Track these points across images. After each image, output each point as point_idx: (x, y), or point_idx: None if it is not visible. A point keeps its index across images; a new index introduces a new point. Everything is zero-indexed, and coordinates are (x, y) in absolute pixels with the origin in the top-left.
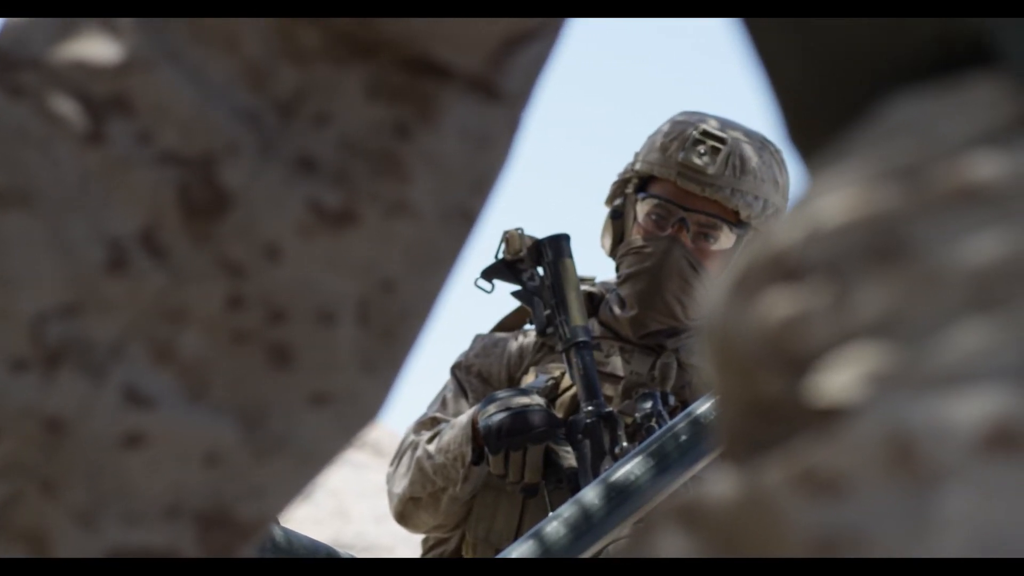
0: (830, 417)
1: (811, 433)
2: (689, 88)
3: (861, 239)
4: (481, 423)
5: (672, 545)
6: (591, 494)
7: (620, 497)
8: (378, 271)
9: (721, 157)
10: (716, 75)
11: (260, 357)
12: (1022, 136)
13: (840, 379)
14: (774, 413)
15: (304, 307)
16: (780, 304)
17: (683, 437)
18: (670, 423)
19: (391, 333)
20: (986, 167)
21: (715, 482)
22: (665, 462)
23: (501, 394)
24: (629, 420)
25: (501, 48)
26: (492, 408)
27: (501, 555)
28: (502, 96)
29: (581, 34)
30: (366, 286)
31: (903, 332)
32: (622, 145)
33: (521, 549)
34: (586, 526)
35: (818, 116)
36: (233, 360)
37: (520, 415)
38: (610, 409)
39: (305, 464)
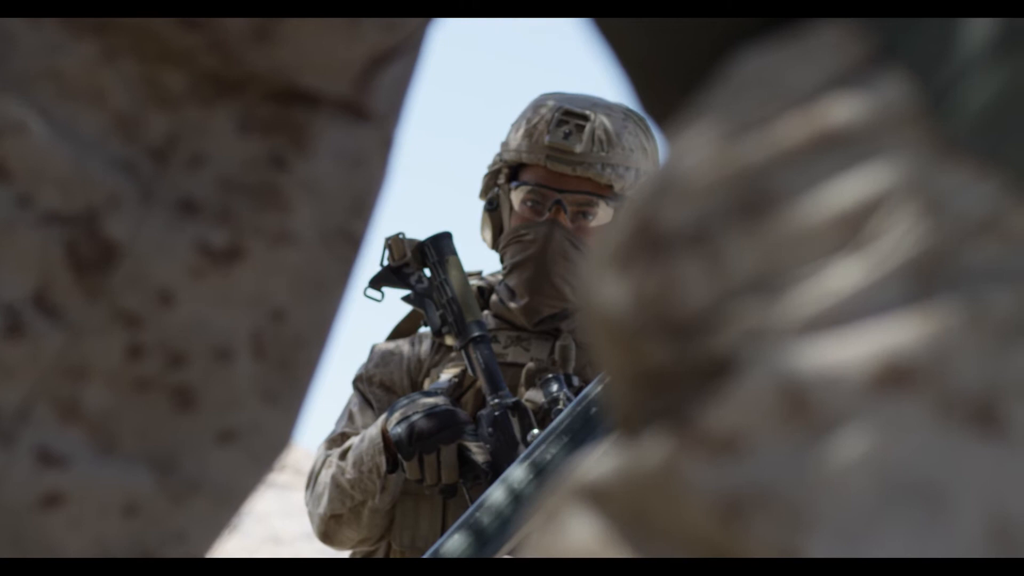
0: (719, 378)
1: (702, 396)
2: (545, 68)
3: (725, 198)
4: (391, 431)
5: (581, 525)
6: (517, 474)
7: (542, 477)
8: (268, 303)
9: (586, 134)
10: (569, 53)
11: (164, 402)
12: (870, 76)
13: (723, 338)
14: (663, 381)
15: (201, 347)
16: (655, 272)
17: (594, 409)
18: (578, 397)
19: (288, 362)
20: (838, 110)
21: (614, 457)
22: (578, 438)
23: (406, 400)
24: (536, 407)
25: (365, 69)
26: (399, 415)
27: (431, 550)
28: (372, 116)
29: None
30: (258, 319)
31: (780, 284)
32: (489, 136)
33: (452, 541)
34: (516, 507)
35: (669, 80)
36: (139, 409)
37: (428, 417)
38: (516, 398)
39: (223, 502)
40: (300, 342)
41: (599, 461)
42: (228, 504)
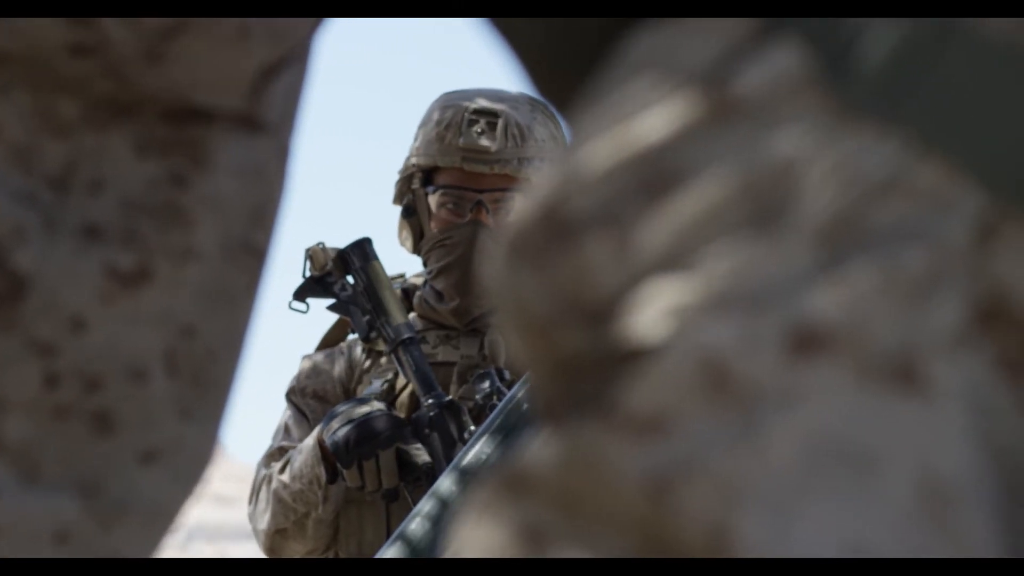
0: (638, 359)
1: (623, 379)
2: (447, 61)
3: (628, 180)
4: (328, 441)
5: (511, 518)
6: (446, 483)
7: (475, 479)
8: (177, 320)
9: (499, 131)
10: (465, 46)
11: (84, 428)
12: (764, 46)
13: (640, 320)
14: (582, 368)
15: (116, 370)
16: (564, 261)
17: (525, 406)
18: (508, 396)
19: (202, 378)
20: (734, 83)
21: (539, 447)
22: (512, 435)
23: (340, 408)
24: (471, 404)
25: (257, 81)
26: (335, 424)
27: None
28: (266, 127)
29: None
30: (169, 337)
31: (691, 260)
32: (399, 136)
33: (390, 553)
34: (448, 516)
35: (564, 65)
36: (59, 436)
37: (364, 424)
38: (450, 397)
39: (152, 522)
40: (212, 357)
41: (527, 452)
42: (158, 523)
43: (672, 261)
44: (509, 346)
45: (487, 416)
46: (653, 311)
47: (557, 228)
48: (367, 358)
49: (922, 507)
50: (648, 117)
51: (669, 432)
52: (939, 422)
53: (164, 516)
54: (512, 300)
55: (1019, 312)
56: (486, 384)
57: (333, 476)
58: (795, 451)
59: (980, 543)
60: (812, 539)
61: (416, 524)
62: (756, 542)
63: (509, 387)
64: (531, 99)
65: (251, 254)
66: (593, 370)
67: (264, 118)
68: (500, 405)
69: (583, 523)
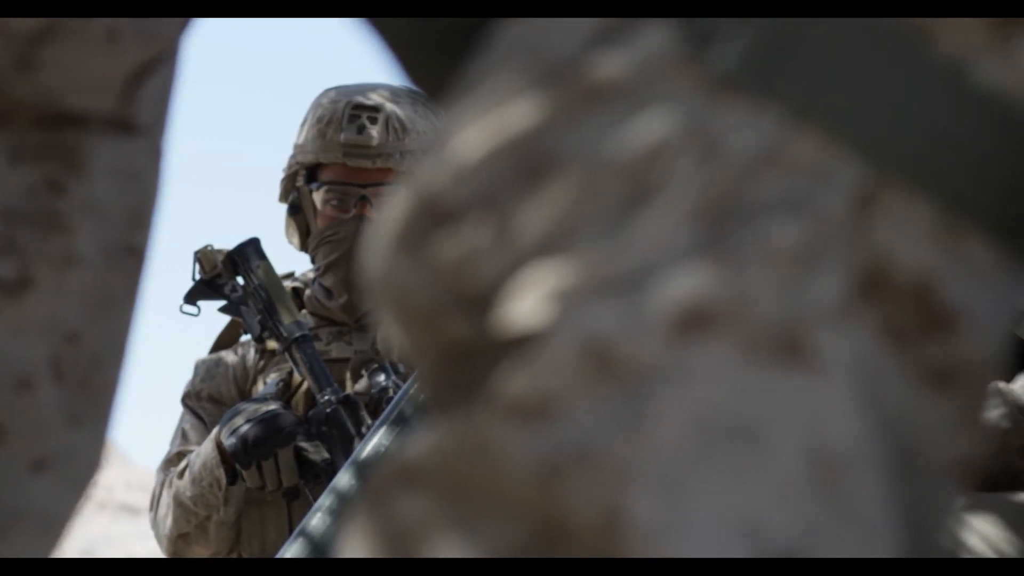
0: (523, 344)
1: (508, 366)
2: (329, 56)
3: (507, 164)
4: (225, 442)
5: (405, 509)
6: (345, 478)
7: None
8: (61, 327)
9: (380, 125)
10: (345, 41)
11: None
12: (633, 28)
13: (522, 305)
14: (468, 355)
15: (3, 380)
16: (445, 249)
17: (421, 397)
18: (403, 388)
19: (88, 383)
20: (605, 66)
21: (430, 436)
22: (408, 426)
23: (237, 409)
24: (367, 398)
25: (128, 83)
26: (231, 425)
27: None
28: (140, 128)
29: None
30: (54, 344)
31: (571, 243)
32: (283, 135)
33: (292, 550)
34: (348, 510)
35: (437, 54)
36: None
37: (261, 423)
38: (346, 393)
39: (47, 529)
40: (98, 362)
41: (417, 441)
42: (51, 531)
43: (552, 245)
44: (393, 338)
45: (383, 410)
46: (535, 296)
47: (435, 217)
48: (260, 358)
49: (813, 478)
50: (521, 103)
51: (556, 417)
52: (826, 392)
53: (58, 523)
54: (394, 291)
55: (900, 280)
56: (381, 378)
57: (233, 478)
58: (684, 429)
59: (872, 510)
60: (705, 516)
61: (317, 520)
62: (649, 522)
63: (404, 380)
64: (412, 92)
65: (131, 256)
66: (478, 358)
67: (137, 120)
68: (396, 398)
69: (474, 511)
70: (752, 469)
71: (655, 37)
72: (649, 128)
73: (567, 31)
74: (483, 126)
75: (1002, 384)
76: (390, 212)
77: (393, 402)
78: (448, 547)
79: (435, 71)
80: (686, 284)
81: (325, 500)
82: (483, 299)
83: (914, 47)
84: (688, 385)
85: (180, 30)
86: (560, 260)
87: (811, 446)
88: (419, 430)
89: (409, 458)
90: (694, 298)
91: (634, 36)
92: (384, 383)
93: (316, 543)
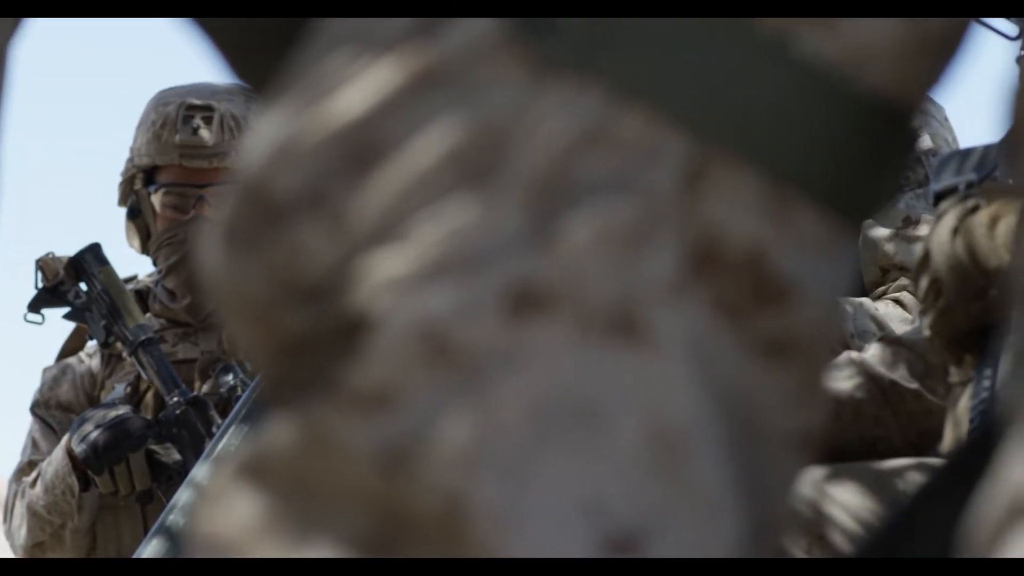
0: (359, 335)
1: (346, 356)
2: (154, 59)
3: (334, 155)
4: (76, 449)
5: (244, 503)
6: (201, 473)
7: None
8: None
9: (215, 125)
10: (176, 41)
11: None
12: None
13: (357, 295)
14: (305, 348)
15: None
16: (276, 242)
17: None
18: (252, 385)
19: None
20: (428, 51)
21: (270, 431)
22: (259, 423)
23: (86, 415)
24: (216, 398)
25: None
26: (82, 432)
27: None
28: None
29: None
30: None
31: (402, 231)
32: (114, 136)
33: (150, 548)
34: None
35: (261, 48)
36: None
37: (111, 429)
38: (195, 394)
39: None
40: None
41: (256, 437)
42: None
43: (385, 233)
44: (231, 334)
45: (232, 408)
46: (369, 285)
47: (266, 210)
48: (107, 363)
49: (653, 456)
50: (348, 91)
51: (396, 405)
52: (663, 370)
53: None
54: (229, 288)
55: (731, 254)
56: (229, 377)
57: (86, 484)
58: (523, 412)
59: (713, 486)
60: (548, 499)
61: (175, 516)
62: (492, 507)
63: (252, 377)
64: (245, 89)
65: None
66: (316, 349)
67: None
68: (244, 395)
69: (318, 505)
70: (593, 450)
71: (477, 22)
72: (477, 111)
73: (390, 20)
74: (311, 116)
75: (855, 354)
76: (223, 208)
77: (241, 400)
78: (292, 542)
79: (259, 64)
80: (518, 266)
81: (182, 496)
82: (318, 290)
83: (738, 21)
84: (525, 368)
85: (7, 36)
86: (393, 248)
87: (650, 424)
88: (262, 426)
89: (250, 454)
90: (527, 280)
91: (456, 22)
92: (232, 382)
93: (174, 539)
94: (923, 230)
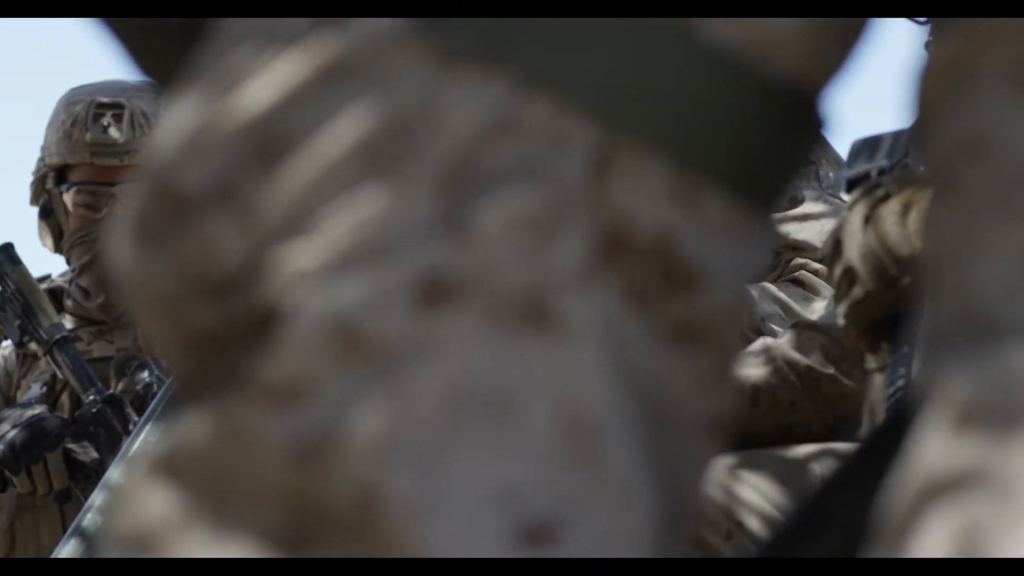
0: (270, 328)
1: (257, 349)
2: (63, 56)
3: (241, 149)
4: None
5: (164, 500)
6: (115, 474)
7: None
8: None
9: (125, 122)
10: (80, 40)
11: None
12: None
13: (268, 288)
14: (215, 343)
15: None
16: (185, 237)
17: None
18: (168, 382)
19: None
20: (334, 44)
21: (185, 427)
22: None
23: (2, 415)
24: (132, 395)
25: None
26: None
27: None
28: None
29: None
30: None
31: (312, 223)
32: (25, 136)
33: (67, 549)
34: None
35: (166, 43)
36: None
37: (27, 428)
38: (111, 392)
39: None
40: None
41: (170, 433)
42: None
43: (295, 226)
44: (144, 331)
45: (149, 406)
46: (280, 278)
47: (174, 205)
48: (22, 364)
49: (566, 444)
50: (255, 84)
51: (308, 398)
52: (575, 357)
53: None
54: (138, 283)
55: (640, 240)
56: (145, 374)
57: (3, 484)
58: (436, 402)
59: (626, 473)
60: (462, 488)
61: (90, 518)
62: (407, 498)
63: (168, 374)
64: (155, 85)
65: None
66: (228, 344)
67: None
68: (160, 392)
69: (233, 500)
70: (506, 439)
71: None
72: (384, 102)
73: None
74: (216, 111)
75: (770, 340)
76: (129, 202)
77: (157, 397)
78: (208, 537)
79: (165, 59)
80: (428, 256)
81: (97, 498)
82: (228, 285)
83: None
84: (437, 358)
85: None
86: (303, 241)
87: (563, 412)
88: (175, 422)
89: (165, 451)
90: (437, 270)
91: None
92: (148, 379)
93: (91, 541)
94: (809, 207)
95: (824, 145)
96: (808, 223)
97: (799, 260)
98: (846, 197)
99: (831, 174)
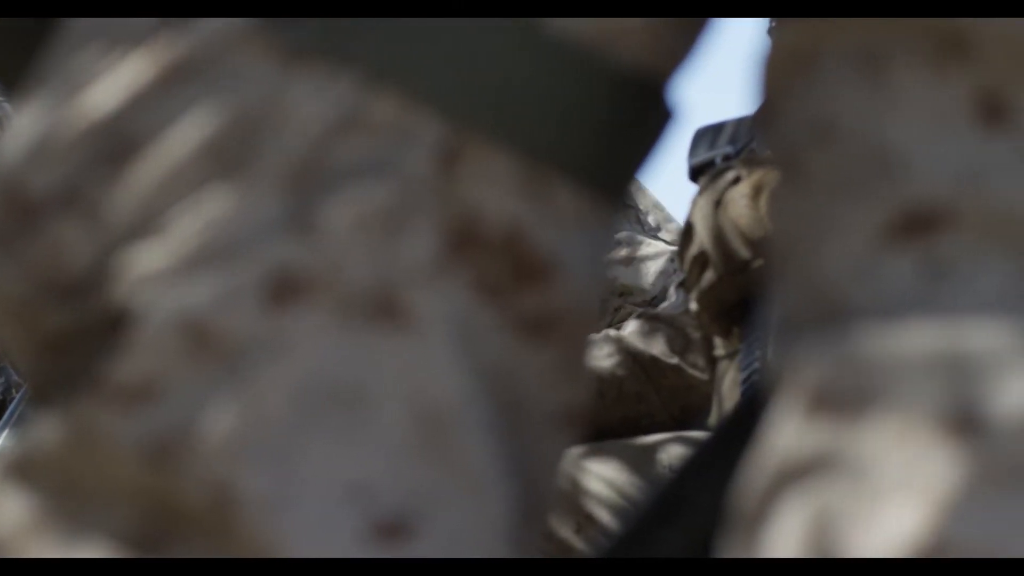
0: (120, 329)
1: (108, 351)
2: None
3: (87, 151)
4: None
5: (17, 504)
6: None
7: None
8: None
9: None
10: None
11: None
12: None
13: (117, 290)
14: (65, 345)
15: None
16: (33, 241)
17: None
18: (25, 388)
19: None
20: (178, 42)
21: (38, 431)
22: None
23: None
24: None
25: None
26: None
27: None
28: None
29: None
30: None
31: (159, 224)
32: None
33: None
34: None
35: (9, 46)
36: None
37: None
38: None
39: None
40: None
41: (25, 437)
42: None
43: (143, 227)
44: None
45: (6, 411)
46: (129, 279)
47: (22, 209)
48: None
49: (418, 437)
50: (99, 87)
51: (159, 398)
52: (426, 351)
53: None
54: None
55: (489, 233)
56: (1, 379)
57: None
58: (287, 399)
59: (479, 466)
60: (315, 484)
61: None
62: (260, 496)
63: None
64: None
65: None
66: (79, 346)
67: None
68: (17, 398)
69: (85, 501)
70: (358, 434)
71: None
72: (229, 101)
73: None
74: (61, 115)
75: (613, 332)
76: None
77: (14, 403)
78: (62, 540)
79: (11, 65)
80: (277, 254)
81: None
82: (78, 288)
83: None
84: (287, 355)
85: None
86: (151, 242)
87: (414, 406)
88: (29, 426)
89: (18, 454)
90: (286, 267)
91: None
92: (5, 384)
93: None
94: (633, 250)
95: (641, 189)
96: (633, 267)
97: (628, 308)
98: (667, 237)
99: (650, 217)
